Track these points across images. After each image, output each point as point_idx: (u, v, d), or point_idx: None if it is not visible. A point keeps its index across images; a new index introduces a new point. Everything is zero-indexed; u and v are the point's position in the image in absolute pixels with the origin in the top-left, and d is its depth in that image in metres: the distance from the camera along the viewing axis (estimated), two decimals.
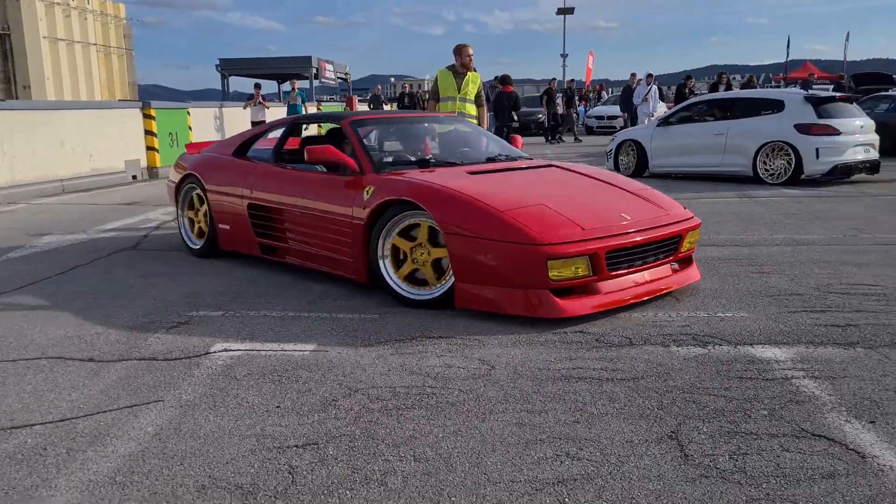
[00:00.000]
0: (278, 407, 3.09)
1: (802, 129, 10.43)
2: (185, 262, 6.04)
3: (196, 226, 6.28)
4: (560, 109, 22.98)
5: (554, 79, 23.80)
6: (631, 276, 4.40)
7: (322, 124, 8.96)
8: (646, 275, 4.50)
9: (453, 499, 2.35)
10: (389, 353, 3.71)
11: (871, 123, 11.07)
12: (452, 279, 4.36)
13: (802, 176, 10.53)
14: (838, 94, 12.16)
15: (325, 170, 5.27)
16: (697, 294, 4.73)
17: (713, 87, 20.62)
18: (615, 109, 24.49)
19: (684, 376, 3.33)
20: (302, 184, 5.29)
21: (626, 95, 20.60)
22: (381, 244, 4.63)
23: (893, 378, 3.26)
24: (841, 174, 10.66)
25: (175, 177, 6.51)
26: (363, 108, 31.39)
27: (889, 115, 15.59)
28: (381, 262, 4.64)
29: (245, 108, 18.37)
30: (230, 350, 3.81)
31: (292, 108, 18.28)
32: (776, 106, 11.05)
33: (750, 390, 3.16)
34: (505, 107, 15.89)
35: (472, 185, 4.59)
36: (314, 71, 37.50)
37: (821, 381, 3.24)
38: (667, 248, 4.60)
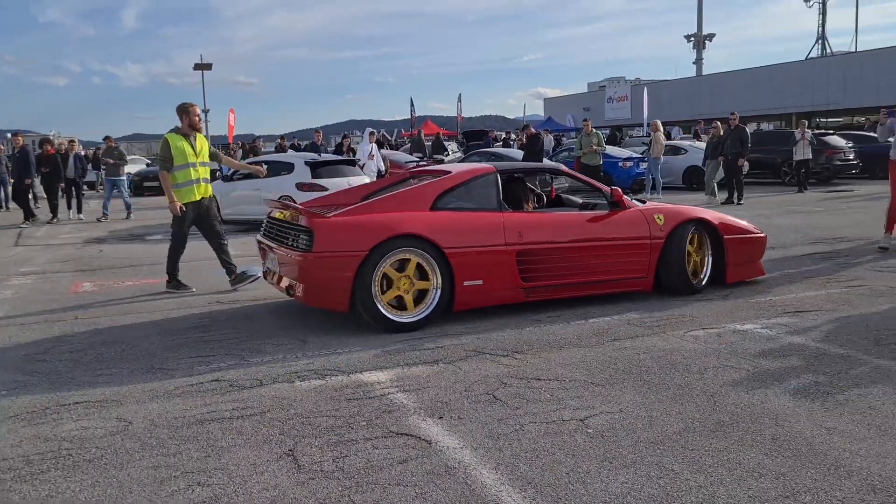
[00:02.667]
0: None
1: (300, 186, 12.81)
2: None
3: (391, 296, 5.48)
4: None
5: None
6: None
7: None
8: None
9: None
10: (21, 426, 3.76)
11: (362, 180, 13.42)
12: (709, 270, 6.75)
13: None
14: (340, 158, 15.03)
15: (568, 208, 6.91)
16: (323, 335, 5.43)
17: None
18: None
19: (304, 405, 3.95)
20: (582, 224, 6.30)
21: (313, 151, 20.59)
22: (686, 257, 6.52)
23: (462, 384, 4.24)
24: None
25: (355, 245, 5.32)
26: None
27: None
28: (688, 272, 6.52)
29: None
30: None
31: None
32: (289, 168, 13.53)
33: (355, 408, 3.88)
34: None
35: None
36: None
37: (409, 393, 4.09)
38: None
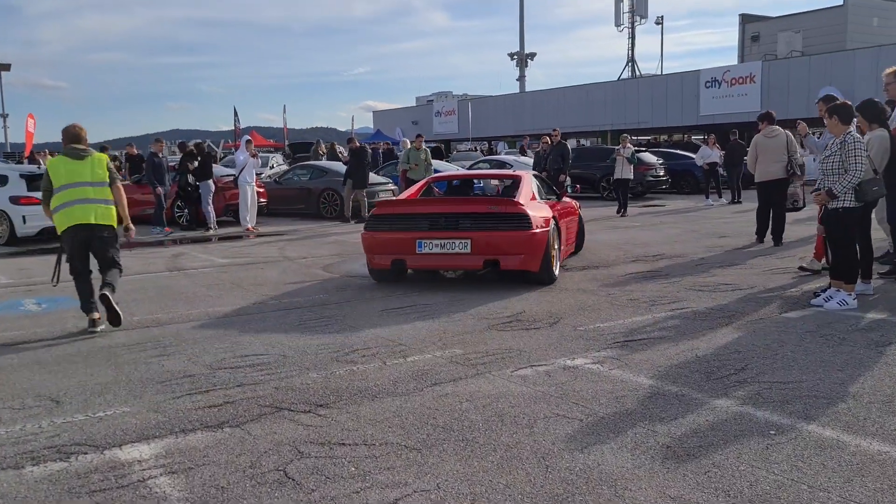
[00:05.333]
0: None
1: (14, 200, 12.44)
2: None
3: None
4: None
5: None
6: None
7: None
8: None
9: None
10: None
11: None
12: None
13: (18, 236, 12.53)
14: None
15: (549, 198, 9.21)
16: (86, 393, 4.40)
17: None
18: None
19: None
20: (567, 206, 9.36)
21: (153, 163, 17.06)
22: None
23: (248, 456, 3.43)
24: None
25: (544, 223, 7.65)
26: None
27: (312, 182, 17.60)
28: None
29: None
30: None
31: None
32: (2, 181, 12.74)
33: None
34: None
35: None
36: None
37: (176, 476, 3.22)
38: None
